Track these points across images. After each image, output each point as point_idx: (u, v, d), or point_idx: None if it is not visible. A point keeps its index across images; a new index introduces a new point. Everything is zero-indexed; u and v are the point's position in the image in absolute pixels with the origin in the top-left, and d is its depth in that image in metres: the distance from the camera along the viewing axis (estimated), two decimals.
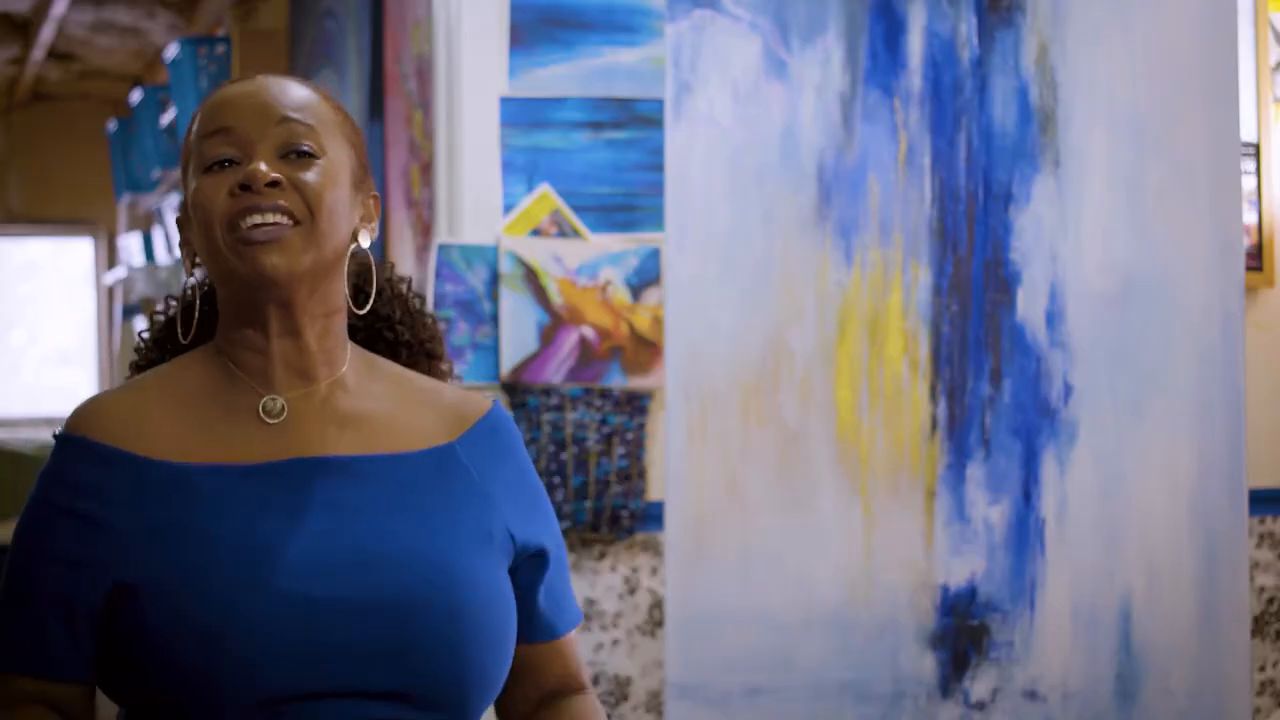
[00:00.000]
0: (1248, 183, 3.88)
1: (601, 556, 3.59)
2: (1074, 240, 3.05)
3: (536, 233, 3.49)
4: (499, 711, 1.78)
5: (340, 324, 1.68)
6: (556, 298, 3.50)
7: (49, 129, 8.49)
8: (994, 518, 3.02)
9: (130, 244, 7.26)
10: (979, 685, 3.01)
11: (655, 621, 3.60)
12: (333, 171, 1.64)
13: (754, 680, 2.94)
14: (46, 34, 6.94)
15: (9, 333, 8.84)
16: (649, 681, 3.62)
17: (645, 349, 3.53)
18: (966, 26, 3.03)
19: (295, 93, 1.67)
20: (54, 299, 8.89)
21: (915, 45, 3.01)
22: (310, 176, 1.62)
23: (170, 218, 6.27)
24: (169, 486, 1.61)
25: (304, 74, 5.18)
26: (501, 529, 1.68)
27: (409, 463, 1.66)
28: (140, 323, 7.04)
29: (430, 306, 1.85)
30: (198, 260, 1.68)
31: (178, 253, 6.19)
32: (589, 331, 3.52)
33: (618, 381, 3.54)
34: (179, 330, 1.73)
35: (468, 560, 1.63)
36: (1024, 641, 3.03)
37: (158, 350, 1.80)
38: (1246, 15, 3.85)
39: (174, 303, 1.79)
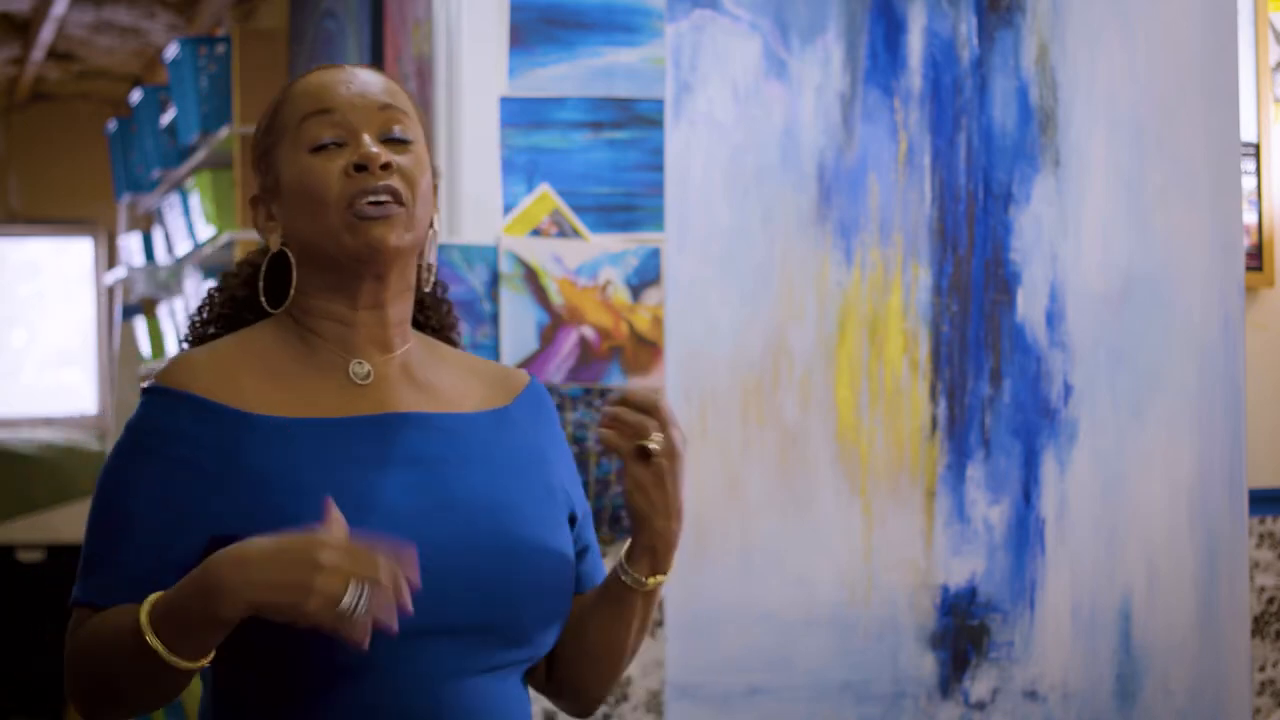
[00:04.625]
0: (1248, 183, 3.88)
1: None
2: (1074, 240, 3.05)
3: (536, 233, 3.49)
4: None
5: (410, 301, 1.78)
6: (556, 298, 3.50)
7: (49, 129, 8.48)
8: (994, 518, 3.02)
9: (130, 244, 7.25)
10: (979, 685, 3.01)
11: (655, 621, 3.60)
12: (422, 158, 1.76)
13: (754, 680, 2.94)
14: (46, 34, 6.93)
15: (9, 333, 8.83)
16: (649, 681, 3.62)
17: (645, 349, 3.53)
18: (966, 26, 3.02)
19: (386, 82, 1.79)
20: (54, 299, 8.88)
21: (915, 45, 3.01)
22: (409, 161, 1.73)
23: (170, 216, 6.26)
24: (267, 439, 1.66)
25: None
26: (560, 484, 1.80)
27: (476, 422, 1.76)
28: (140, 323, 7.04)
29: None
30: (275, 232, 1.75)
31: (178, 248, 6.19)
32: (589, 331, 3.52)
33: (618, 381, 3.53)
34: (263, 298, 1.76)
35: (538, 508, 1.75)
36: (1024, 641, 3.03)
37: (218, 325, 1.82)
38: (1246, 15, 3.85)
39: (221, 284, 1.83)
